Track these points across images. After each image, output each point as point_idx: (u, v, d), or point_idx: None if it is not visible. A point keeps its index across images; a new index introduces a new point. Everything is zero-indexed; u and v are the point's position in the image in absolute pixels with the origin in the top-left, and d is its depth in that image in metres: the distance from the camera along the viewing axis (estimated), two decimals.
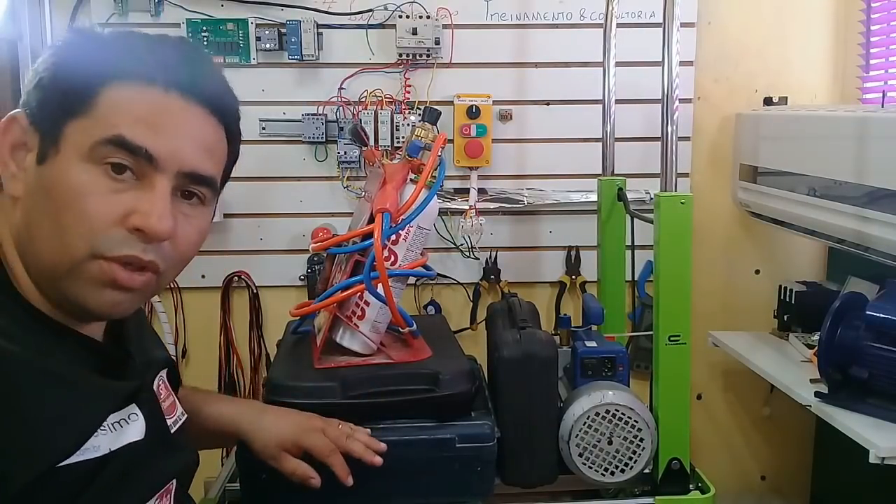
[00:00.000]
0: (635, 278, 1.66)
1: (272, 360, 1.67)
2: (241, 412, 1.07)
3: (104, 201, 0.71)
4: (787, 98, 1.91)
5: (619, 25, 1.67)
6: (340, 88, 1.87)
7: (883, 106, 1.51)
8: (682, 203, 1.23)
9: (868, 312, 1.31)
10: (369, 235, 1.14)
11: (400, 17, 1.82)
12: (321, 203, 1.92)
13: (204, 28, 1.84)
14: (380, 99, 1.87)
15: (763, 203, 1.77)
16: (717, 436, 2.09)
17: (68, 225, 0.70)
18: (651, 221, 1.29)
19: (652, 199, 1.37)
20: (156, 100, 0.73)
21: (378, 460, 1.05)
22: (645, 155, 1.81)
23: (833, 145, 1.51)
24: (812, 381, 1.46)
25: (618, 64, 1.66)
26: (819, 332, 1.38)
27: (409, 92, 1.87)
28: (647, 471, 1.23)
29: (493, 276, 1.95)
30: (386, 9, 1.85)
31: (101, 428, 0.72)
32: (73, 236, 0.70)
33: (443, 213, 1.89)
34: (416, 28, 1.80)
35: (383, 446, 1.07)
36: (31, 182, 0.72)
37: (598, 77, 1.69)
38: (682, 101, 1.40)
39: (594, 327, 1.41)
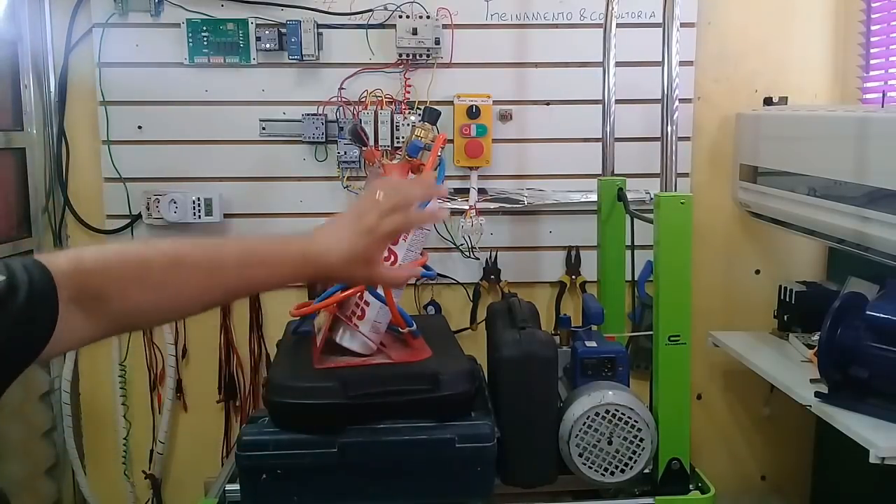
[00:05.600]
0: (635, 278, 1.66)
1: (272, 360, 1.67)
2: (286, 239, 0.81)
3: None
4: (787, 98, 1.91)
5: (619, 25, 1.67)
6: (340, 88, 1.87)
7: (883, 106, 1.51)
8: (682, 203, 1.23)
9: (868, 312, 1.30)
10: None
11: (400, 17, 1.82)
12: (321, 203, 1.92)
13: (204, 28, 1.84)
14: (380, 99, 1.86)
15: (763, 203, 1.77)
16: (717, 436, 2.09)
17: None
18: (651, 221, 1.29)
19: (652, 199, 1.37)
20: None
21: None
22: (645, 155, 1.81)
23: (833, 145, 1.51)
24: (812, 381, 1.46)
25: (618, 64, 1.66)
26: (819, 332, 1.38)
27: (409, 92, 1.87)
28: (647, 471, 1.23)
29: (493, 276, 1.95)
30: (386, 9, 1.85)
31: None
32: None
33: None
34: (416, 28, 1.80)
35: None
36: None
37: (598, 77, 1.70)
38: (682, 101, 1.41)
39: (594, 327, 1.41)
